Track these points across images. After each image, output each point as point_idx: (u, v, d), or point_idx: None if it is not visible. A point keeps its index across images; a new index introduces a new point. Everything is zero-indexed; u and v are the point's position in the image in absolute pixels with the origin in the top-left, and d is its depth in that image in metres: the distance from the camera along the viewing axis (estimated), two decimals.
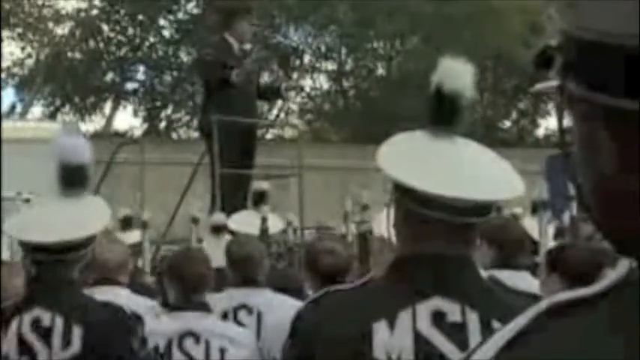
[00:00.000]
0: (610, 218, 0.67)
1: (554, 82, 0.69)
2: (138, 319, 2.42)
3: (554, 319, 0.66)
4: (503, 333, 0.66)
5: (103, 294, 2.84)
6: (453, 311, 1.59)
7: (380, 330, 1.57)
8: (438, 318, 1.58)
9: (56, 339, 2.32)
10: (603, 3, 0.62)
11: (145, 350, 2.36)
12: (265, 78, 7.17)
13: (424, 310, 1.59)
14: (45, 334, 2.33)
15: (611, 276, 0.66)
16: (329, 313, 1.66)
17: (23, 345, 2.34)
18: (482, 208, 1.62)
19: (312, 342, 1.63)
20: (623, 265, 0.66)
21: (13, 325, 2.35)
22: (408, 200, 1.61)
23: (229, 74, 6.58)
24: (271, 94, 7.27)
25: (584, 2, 0.64)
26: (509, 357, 0.65)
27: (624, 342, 0.61)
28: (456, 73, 1.67)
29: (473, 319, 1.58)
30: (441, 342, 1.57)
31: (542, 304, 0.67)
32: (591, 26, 0.63)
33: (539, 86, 7.48)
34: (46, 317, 2.35)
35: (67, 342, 2.31)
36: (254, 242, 3.75)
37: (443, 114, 1.67)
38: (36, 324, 2.35)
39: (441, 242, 1.62)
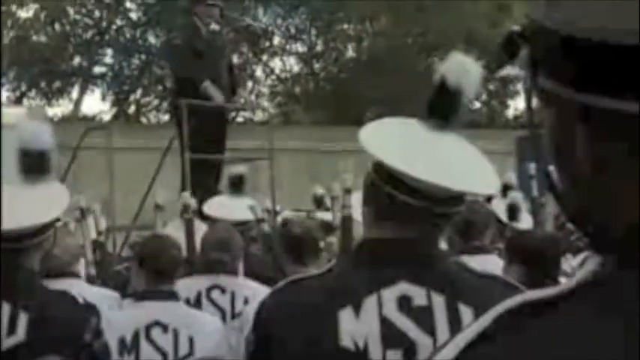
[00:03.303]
0: (583, 208, 0.64)
1: (518, 70, 0.65)
2: (92, 308, 2.35)
3: (517, 319, 0.63)
4: (465, 333, 0.64)
5: (58, 285, 2.77)
6: (418, 295, 1.58)
7: (345, 317, 1.56)
8: (404, 302, 1.58)
9: (2, 326, 2.26)
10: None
11: (99, 341, 2.28)
12: (235, 59, 7.11)
13: (390, 295, 1.58)
14: None
15: (578, 275, 0.64)
16: (293, 303, 1.63)
17: None
18: (458, 199, 1.65)
19: (276, 332, 1.61)
20: (591, 263, 0.63)
21: None
22: (391, 185, 1.60)
23: (200, 81, 6.60)
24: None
25: None
26: (471, 358, 0.62)
27: (591, 342, 0.58)
28: (463, 70, 1.66)
29: (439, 303, 1.58)
30: (407, 326, 1.57)
31: (505, 305, 0.64)
32: (576, 21, 0.59)
33: (503, 72, 7.47)
34: None
35: (12, 329, 2.26)
36: (231, 229, 3.69)
37: (441, 107, 1.66)
38: None
39: (414, 229, 1.62)
